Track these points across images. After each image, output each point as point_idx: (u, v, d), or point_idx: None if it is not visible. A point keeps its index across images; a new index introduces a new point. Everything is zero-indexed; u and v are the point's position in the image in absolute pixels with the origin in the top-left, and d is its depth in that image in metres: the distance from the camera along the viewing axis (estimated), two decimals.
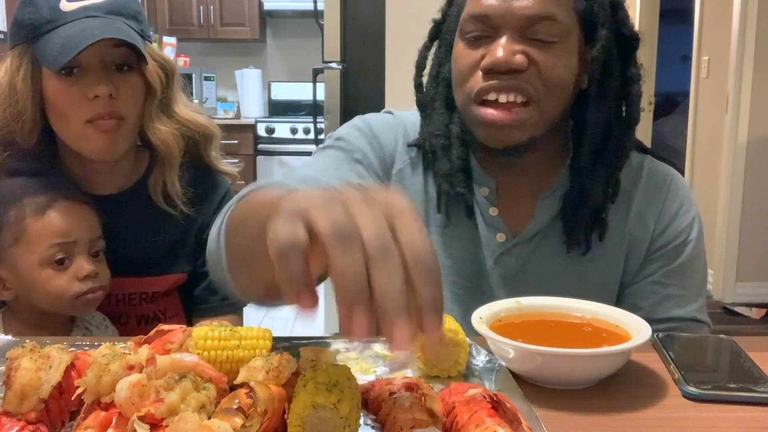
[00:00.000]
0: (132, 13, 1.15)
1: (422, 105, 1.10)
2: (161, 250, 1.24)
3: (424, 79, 1.11)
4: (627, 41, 1.00)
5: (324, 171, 1.01)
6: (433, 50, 1.10)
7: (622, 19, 1.00)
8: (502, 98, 0.95)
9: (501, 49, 0.93)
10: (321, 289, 1.10)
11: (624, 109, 1.03)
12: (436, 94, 1.08)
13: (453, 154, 1.04)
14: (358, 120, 1.13)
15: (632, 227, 1.06)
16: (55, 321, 1.16)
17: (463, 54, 0.99)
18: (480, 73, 0.96)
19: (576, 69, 0.97)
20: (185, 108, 1.25)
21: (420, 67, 1.11)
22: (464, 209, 1.06)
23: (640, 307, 1.04)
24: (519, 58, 0.93)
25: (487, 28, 0.96)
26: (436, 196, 1.07)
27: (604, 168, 1.02)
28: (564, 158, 1.06)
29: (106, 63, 1.12)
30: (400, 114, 1.16)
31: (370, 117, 1.14)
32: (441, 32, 1.08)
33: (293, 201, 0.53)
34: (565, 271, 1.05)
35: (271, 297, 0.74)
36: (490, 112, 0.96)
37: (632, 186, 1.07)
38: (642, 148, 1.11)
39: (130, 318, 1.25)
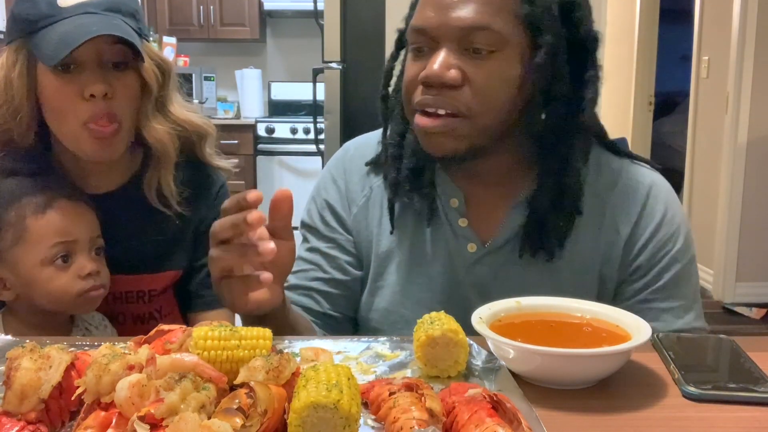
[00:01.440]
0: (130, 11, 1.15)
1: (385, 115, 1.10)
2: (158, 247, 1.24)
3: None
4: (583, 42, 0.98)
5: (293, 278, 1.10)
6: (400, 59, 1.09)
7: (579, 20, 0.97)
8: (441, 111, 0.95)
9: (436, 62, 0.94)
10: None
11: (576, 113, 0.99)
12: (396, 102, 1.08)
13: (403, 164, 1.06)
14: (314, 192, 1.17)
15: (606, 233, 1.04)
16: (55, 321, 1.16)
17: (408, 66, 1.00)
18: (421, 86, 0.97)
19: (517, 78, 0.95)
20: (181, 108, 1.25)
21: (387, 77, 1.10)
22: (425, 221, 1.06)
23: None
24: (452, 73, 0.93)
25: (428, 41, 0.96)
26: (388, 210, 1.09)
27: (552, 176, 1.00)
28: (532, 164, 1.04)
29: (102, 60, 1.11)
30: (354, 144, 1.18)
31: (320, 184, 1.17)
32: (404, 41, 1.07)
33: None
34: (538, 279, 1.02)
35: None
36: (423, 120, 0.97)
37: (608, 192, 1.05)
38: (619, 152, 1.09)
39: (126, 317, 1.25)
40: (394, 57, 1.09)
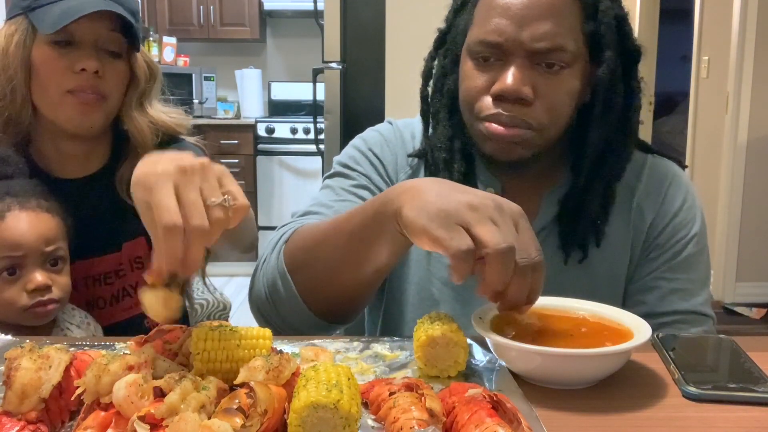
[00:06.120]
0: (131, 9, 1.20)
1: (426, 115, 1.11)
2: (133, 225, 1.26)
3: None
4: (630, 54, 1.02)
5: (334, 203, 1.06)
6: (437, 60, 1.10)
7: (626, 33, 1.01)
8: (511, 124, 0.97)
9: (511, 77, 0.94)
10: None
11: (625, 122, 1.03)
12: (440, 105, 1.08)
13: (454, 168, 1.06)
14: (358, 140, 1.16)
15: (634, 220, 1.07)
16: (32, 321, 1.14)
17: (472, 74, 1.00)
18: (489, 97, 0.97)
19: (579, 90, 0.99)
20: (157, 111, 1.29)
21: (426, 77, 1.11)
22: None
23: (645, 301, 1.05)
24: (527, 90, 0.95)
25: (498, 53, 0.97)
26: None
27: (602, 180, 1.03)
28: (568, 155, 1.07)
29: (98, 44, 1.17)
30: (399, 123, 1.18)
31: (370, 136, 1.16)
32: (446, 42, 1.08)
33: (437, 203, 0.74)
34: (571, 268, 1.05)
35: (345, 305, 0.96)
36: (495, 127, 0.97)
37: (635, 181, 1.09)
38: (646, 148, 1.13)
39: (106, 300, 1.26)
40: (433, 57, 1.10)
